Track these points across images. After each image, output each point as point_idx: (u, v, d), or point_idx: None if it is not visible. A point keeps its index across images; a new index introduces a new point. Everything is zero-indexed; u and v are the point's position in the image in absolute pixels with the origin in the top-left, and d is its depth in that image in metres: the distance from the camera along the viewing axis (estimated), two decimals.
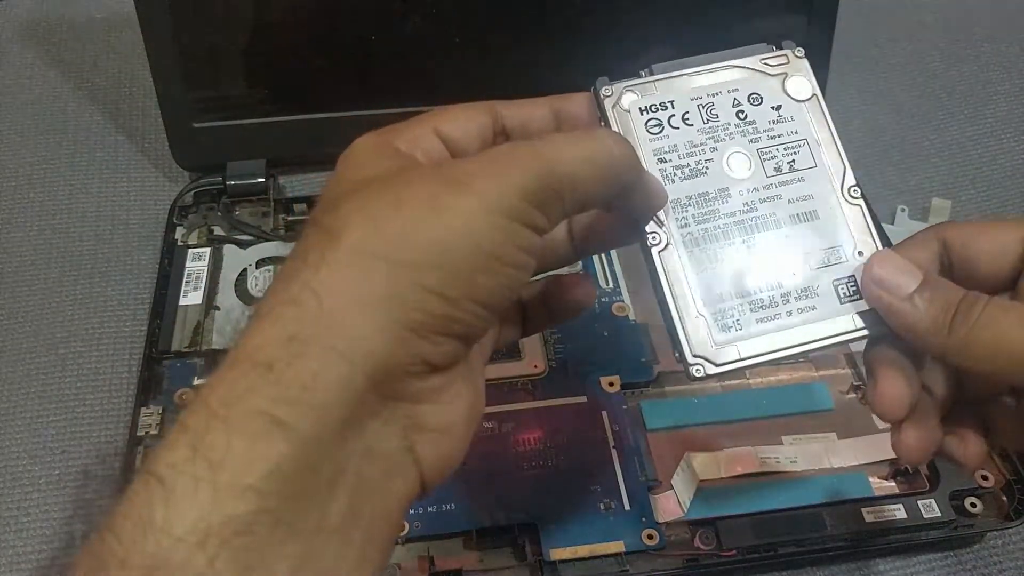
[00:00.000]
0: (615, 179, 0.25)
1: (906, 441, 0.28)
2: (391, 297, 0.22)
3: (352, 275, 0.22)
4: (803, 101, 0.30)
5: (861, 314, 0.28)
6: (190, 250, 0.49)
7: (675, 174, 0.28)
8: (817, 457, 0.40)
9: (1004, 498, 0.40)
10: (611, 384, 0.42)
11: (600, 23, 0.51)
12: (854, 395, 0.43)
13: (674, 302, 0.28)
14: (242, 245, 0.49)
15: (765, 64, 0.30)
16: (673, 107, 0.29)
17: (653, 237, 0.28)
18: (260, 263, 0.48)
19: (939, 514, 0.38)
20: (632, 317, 0.45)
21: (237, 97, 0.51)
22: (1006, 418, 0.29)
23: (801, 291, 0.28)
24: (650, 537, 0.37)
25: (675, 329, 0.28)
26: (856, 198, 0.29)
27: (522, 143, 0.25)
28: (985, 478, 0.40)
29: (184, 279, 0.47)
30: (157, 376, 0.43)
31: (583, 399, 0.42)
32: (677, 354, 0.28)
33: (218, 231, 0.50)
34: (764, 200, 0.28)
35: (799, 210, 0.29)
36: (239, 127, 0.51)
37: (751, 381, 0.44)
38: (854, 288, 0.28)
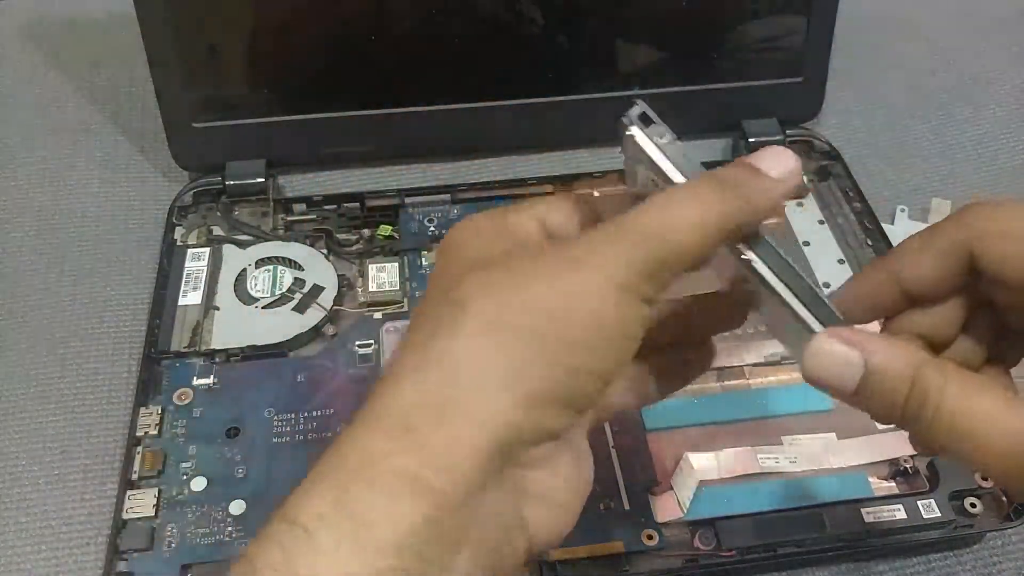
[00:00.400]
0: (723, 232, 0.24)
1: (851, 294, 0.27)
2: (521, 367, 0.23)
3: (485, 344, 0.23)
4: None
5: None
6: (189, 250, 0.49)
7: None
8: (817, 457, 0.40)
9: (1004, 498, 0.39)
10: None
11: (603, 21, 0.51)
12: None
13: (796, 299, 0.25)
14: (241, 245, 0.49)
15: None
16: None
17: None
18: (259, 263, 0.48)
19: (939, 514, 0.38)
20: None
21: (237, 97, 0.51)
22: None
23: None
24: (649, 537, 0.37)
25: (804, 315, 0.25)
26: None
27: (630, 217, 0.24)
28: (985, 478, 0.40)
29: (183, 279, 0.47)
30: (156, 376, 0.43)
31: None
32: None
33: (217, 231, 0.50)
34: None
35: None
36: (239, 127, 0.51)
37: (751, 381, 0.44)
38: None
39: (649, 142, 0.26)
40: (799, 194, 0.53)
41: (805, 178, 0.54)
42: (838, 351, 0.25)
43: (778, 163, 0.25)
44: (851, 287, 0.28)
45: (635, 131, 0.26)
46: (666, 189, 0.25)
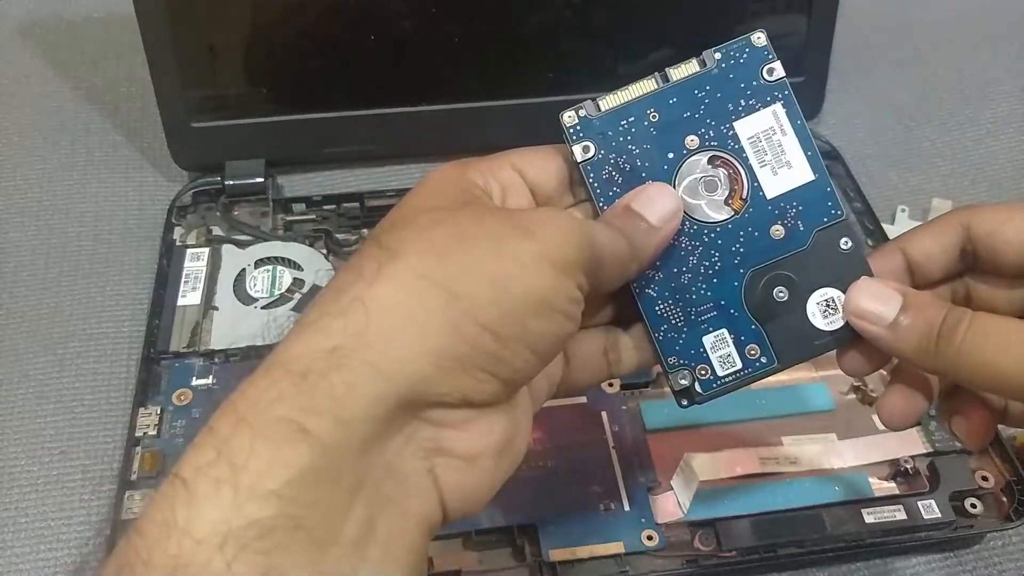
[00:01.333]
0: (631, 260, 0.27)
1: (889, 407, 0.29)
2: (442, 326, 0.22)
3: (406, 296, 0.22)
4: None
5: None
6: (188, 250, 0.49)
7: None
8: (817, 458, 0.40)
9: (1004, 499, 0.39)
10: (611, 384, 0.42)
11: (603, 20, 0.51)
12: (854, 396, 0.43)
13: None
14: (241, 245, 0.49)
15: None
16: None
17: None
18: (259, 263, 0.48)
19: (939, 515, 0.38)
20: None
21: (236, 97, 0.51)
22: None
23: None
24: (650, 538, 0.37)
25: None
26: None
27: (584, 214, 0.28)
28: (985, 479, 0.40)
29: (182, 279, 0.47)
30: (155, 376, 0.43)
31: (583, 400, 0.42)
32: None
33: (217, 231, 0.50)
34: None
35: None
36: (238, 127, 0.51)
37: None
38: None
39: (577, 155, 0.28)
40: None
41: None
42: (880, 287, 0.28)
43: (658, 208, 0.28)
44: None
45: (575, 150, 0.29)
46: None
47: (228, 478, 0.20)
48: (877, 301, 0.27)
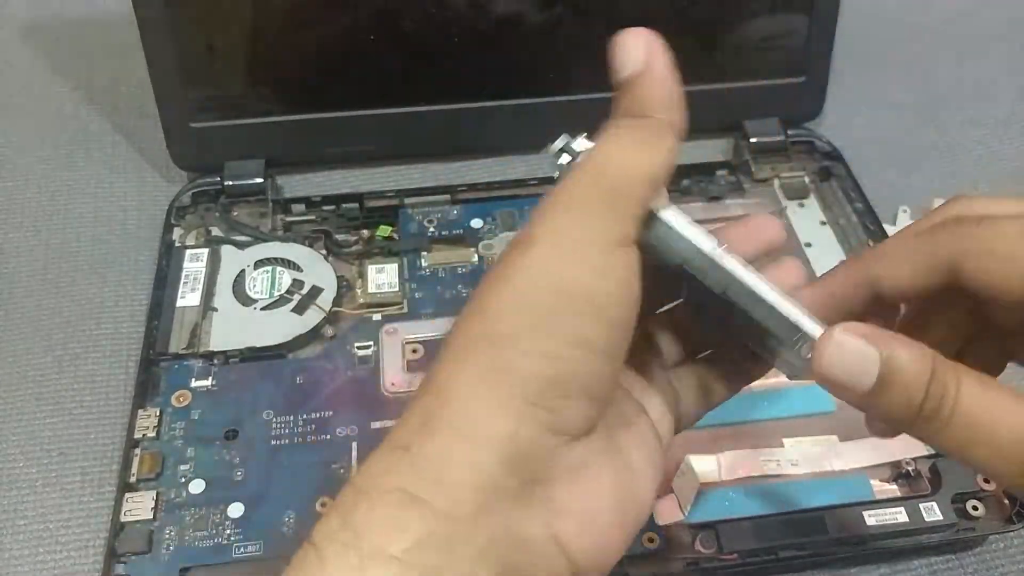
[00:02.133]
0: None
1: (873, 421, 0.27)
2: (497, 374, 0.22)
3: (461, 365, 0.23)
4: None
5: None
6: (188, 251, 0.48)
7: None
8: (818, 460, 0.40)
9: (1006, 501, 0.39)
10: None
11: (603, 21, 0.51)
12: None
13: (776, 294, 0.25)
14: (240, 246, 0.49)
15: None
16: None
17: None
18: (258, 264, 0.48)
19: (941, 517, 0.38)
20: None
21: (235, 97, 0.51)
22: None
23: None
24: (650, 540, 0.37)
25: (798, 320, 0.25)
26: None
27: (566, 179, 0.24)
28: (987, 481, 0.39)
29: (182, 280, 0.47)
30: (155, 378, 0.43)
31: None
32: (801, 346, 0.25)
33: (216, 232, 0.50)
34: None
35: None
36: (237, 127, 0.51)
37: (752, 383, 0.43)
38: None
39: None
40: (801, 195, 0.53)
41: (806, 178, 0.54)
42: (855, 346, 0.23)
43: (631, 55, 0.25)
44: (822, 287, 0.28)
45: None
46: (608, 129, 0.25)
47: (352, 542, 0.21)
48: (846, 372, 0.23)
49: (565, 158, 0.25)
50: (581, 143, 0.25)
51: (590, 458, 0.24)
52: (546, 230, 0.23)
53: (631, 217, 0.23)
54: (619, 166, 0.23)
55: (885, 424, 0.25)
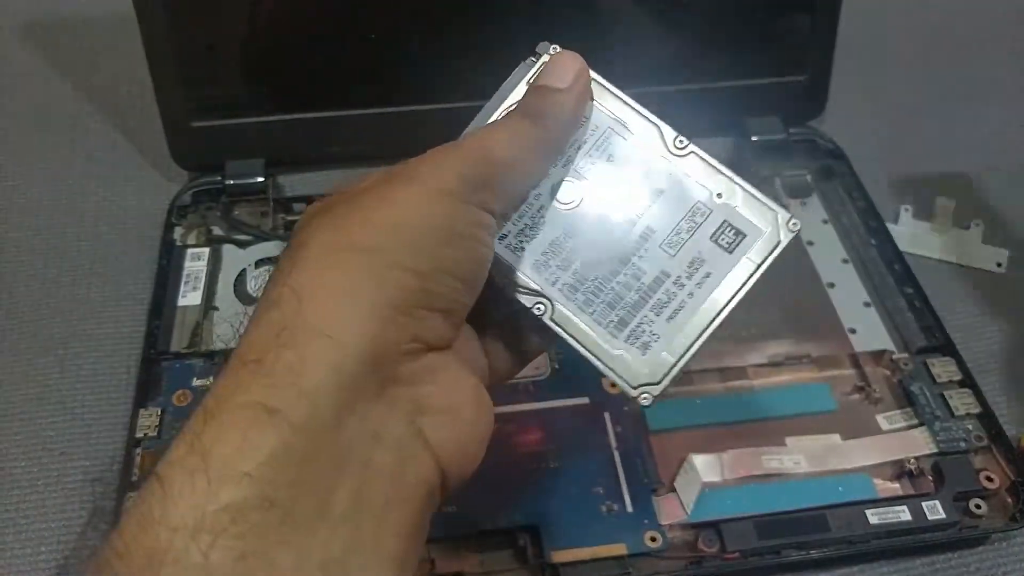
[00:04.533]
0: (547, 141, 0.29)
1: None
2: (367, 280, 0.23)
3: (325, 271, 0.24)
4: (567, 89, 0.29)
5: (752, 251, 0.28)
6: (189, 250, 0.48)
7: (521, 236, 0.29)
8: (821, 459, 0.40)
9: (1009, 499, 0.39)
10: (613, 385, 0.42)
11: (604, 19, 0.51)
12: (857, 396, 0.43)
13: (591, 353, 0.28)
14: (241, 245, 0.49)
15: (527, 82, 0.30)
16: None
17: (539, 307, 0.29)
18: (259, 263, 0.48)
19: (943, 516, 0.38)
20: None
21: (236, 96, 0.51)
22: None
23: (688, 267, 0.28)
24: (653, 539, 0.37)
25: (607, 375, 0.29)
26: (683, 148, 0.29)
27: (465, 137, 0.28)
28: (990, 479, 0.39)
29: (183, 279, 0.47)
30: (156, 377, 0.43)
31: (585, 400, 0.42)
32: (623, 395, 0.29)
33: (217, 231, 0.50)
34: (610, 210, 0.29)
35: (644, 196, 0.29)
36: (238, 126, 0.51)
37: (754, 382, 0.43)
38: (732, 231, 0.28)
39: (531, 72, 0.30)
40: (803, 193, 0.53)
41: (808, 177, 0.54)
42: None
43: (563, 73, 0.29)
44: None
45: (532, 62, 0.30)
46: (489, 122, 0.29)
47: (200, 467, 0.21)
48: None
49: (530, 60, 0.30)
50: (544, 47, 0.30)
51: (448, 363, 0.26)
52: (430, 174, 0.26)
53: (491, 189, 0.27)
54: (490, 150, 0.27)
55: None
